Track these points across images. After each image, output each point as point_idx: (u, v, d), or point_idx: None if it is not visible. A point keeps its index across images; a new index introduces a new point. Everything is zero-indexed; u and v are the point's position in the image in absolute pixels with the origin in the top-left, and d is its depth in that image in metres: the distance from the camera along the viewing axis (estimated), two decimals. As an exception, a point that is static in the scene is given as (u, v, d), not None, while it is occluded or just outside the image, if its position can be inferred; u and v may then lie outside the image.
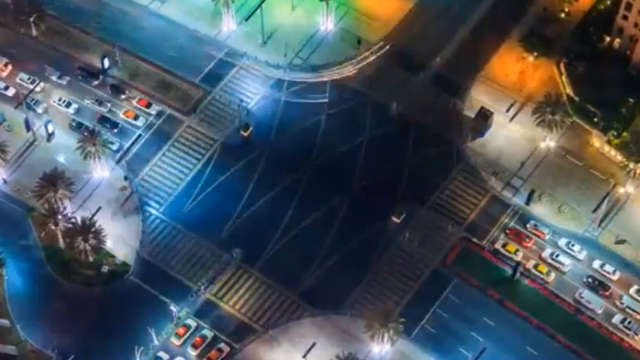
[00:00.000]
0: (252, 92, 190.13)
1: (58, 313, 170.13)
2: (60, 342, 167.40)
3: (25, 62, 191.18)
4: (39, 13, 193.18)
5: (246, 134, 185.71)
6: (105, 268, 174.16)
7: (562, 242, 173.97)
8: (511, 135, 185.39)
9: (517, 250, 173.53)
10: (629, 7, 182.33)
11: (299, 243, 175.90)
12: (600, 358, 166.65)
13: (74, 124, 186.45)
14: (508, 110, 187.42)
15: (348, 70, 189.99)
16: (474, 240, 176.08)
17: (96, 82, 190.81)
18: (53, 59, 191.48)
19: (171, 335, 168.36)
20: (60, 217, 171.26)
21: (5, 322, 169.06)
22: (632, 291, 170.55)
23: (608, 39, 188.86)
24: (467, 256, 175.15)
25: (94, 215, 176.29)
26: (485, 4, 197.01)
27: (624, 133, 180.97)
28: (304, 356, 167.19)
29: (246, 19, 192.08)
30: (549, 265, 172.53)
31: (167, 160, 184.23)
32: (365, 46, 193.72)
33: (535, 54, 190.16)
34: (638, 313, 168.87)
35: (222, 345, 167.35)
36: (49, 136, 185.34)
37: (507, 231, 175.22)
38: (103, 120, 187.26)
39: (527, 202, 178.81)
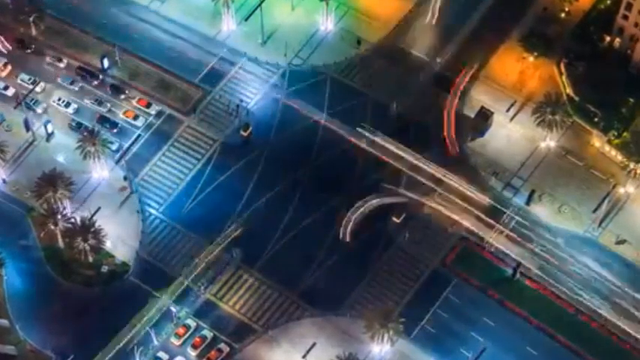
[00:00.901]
0: (252, 92, 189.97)
1: (57, 313, 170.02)
2: (59, 342, 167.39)
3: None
4: (38, 12, 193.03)
5: (246, 134, 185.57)
6: (104, 268, 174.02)
7: None
8: (511, 135, 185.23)
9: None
10: (629, 6, 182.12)
11: (299, 243, 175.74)
12: (600, 358, 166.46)
13: (74, 124, 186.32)
14: (508, 110, 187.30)
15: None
16: (474, 240, 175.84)
17: (95, 82, 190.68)
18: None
19: (171, 335, 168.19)
20: (59, 217, 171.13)
21: (4, 322, 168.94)
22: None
23: (608, 39, 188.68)
24: (467, 256, 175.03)
25: (93, 215, 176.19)
26: (485, 4, 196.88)
27: (624, 133, 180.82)
28: (304, 356, 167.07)
29: (246, 19, 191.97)
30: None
31: (167, 160, 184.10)
32: (365, 45, 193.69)
33: (535, 54, 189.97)
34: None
35: (222, 345, 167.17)
36: (49, 136, 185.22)
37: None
38: (103, 120, 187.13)
39: (528, 203, 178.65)
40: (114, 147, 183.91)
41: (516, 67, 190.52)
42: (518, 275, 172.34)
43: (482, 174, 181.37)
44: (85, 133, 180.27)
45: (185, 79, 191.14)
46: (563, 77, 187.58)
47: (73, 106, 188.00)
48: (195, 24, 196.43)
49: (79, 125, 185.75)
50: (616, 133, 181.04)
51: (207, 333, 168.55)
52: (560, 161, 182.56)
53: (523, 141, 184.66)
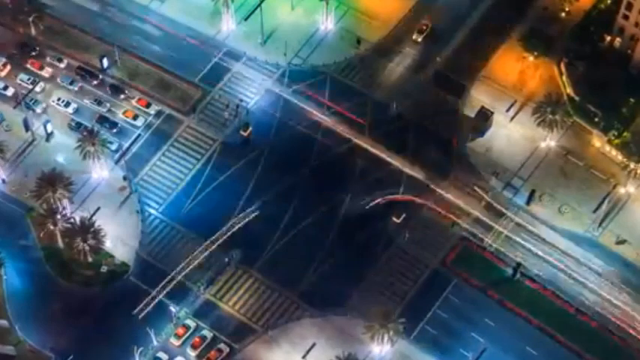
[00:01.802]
0: (252, 92, 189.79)
1: (57, 313, 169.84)
2: (59, 342, 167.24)
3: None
4: (38, 12, 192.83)
5: (245, 134, 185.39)
6: (104, 269, 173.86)
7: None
8: (511, 135, 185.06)
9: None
10: (629, 6, 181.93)
11: (299, 243, 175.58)
12: (600, 358, 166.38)
13: (73, 123, 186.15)
14: (508, 110, 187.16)
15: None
16: (474, 240, 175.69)
17: (95, 82, 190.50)
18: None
19: (171, 336, 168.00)
20: (59, 217, 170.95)
21: (4, 322, 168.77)
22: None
23: (608, 38, 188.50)
24: (467, 256, 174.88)
25: (93, 215, 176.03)
26: (485, 4, 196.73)
27: (625, 133, 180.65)
28: (304, 357, 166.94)
29: (246, 19, 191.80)
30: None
31: (166, 160, 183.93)
32: (365, 45, 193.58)
33: (535, 53, 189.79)
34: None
35: (221, 345, 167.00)
36: (48, 136, 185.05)
37: None
38: (102, 120, 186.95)
39: (528, 203, 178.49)
40: (113, 147, 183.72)
41: (516, 66, 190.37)
42: (518, 275, 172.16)
43: (482, 174, 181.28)
44: (85, 133, 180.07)
45: (185, 79, 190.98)
46: (564, 77, 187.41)
47: (73, 105, 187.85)
48: (195, 23, 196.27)
49: (79, 125, 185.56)
50: (616, 133, 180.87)
51: (207, 333, 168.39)
52: (560, 161, 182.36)
53: (523, 141, 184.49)
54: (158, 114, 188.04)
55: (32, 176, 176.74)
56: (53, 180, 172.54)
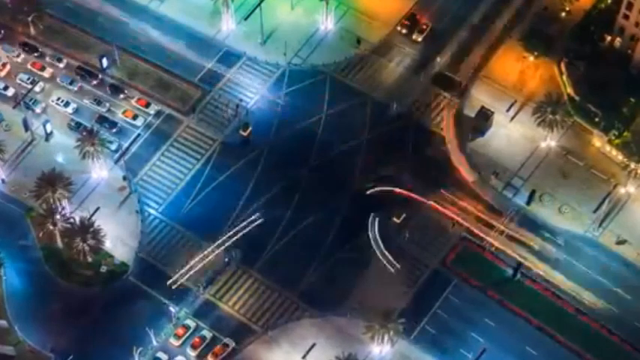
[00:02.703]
0: (252, 92, 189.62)
1: (56, 313, 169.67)
2: (58, 342, 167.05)
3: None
4: (37, 12, 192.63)
5: (245, 134, 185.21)
6: (104, 269, 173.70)
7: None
8: (511, 135, 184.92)
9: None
10: (630, 6, 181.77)
11: (298, 243, 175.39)
12: (600, 358, 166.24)
13: (73, 123, 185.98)
14: (508, 110, 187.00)
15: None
16: (475, 240, 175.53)
17: (95, 82, 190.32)
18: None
19: (170, 336, 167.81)
20: (58, 217, 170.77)
21: (3, 322, 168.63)
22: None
23: (609, 38, 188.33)
24: (467, 256, 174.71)
25: (92, 215, 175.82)
26: (485, 4, 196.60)
27: (625, 133, 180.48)
28: (304, 357, 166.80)
29: (246, 19, 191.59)
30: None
31: (166, 160, 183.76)
32: (365, 45, 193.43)
33: (535, 53, 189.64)
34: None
35: (227, 339, 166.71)
36: (48, 136, 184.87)
37: None
38: (102, 120, 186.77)
39: (528, 203, 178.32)
40: (113, 147, 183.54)
41: (517, 66, 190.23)
42: (518, 275, 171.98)
43: (482, 174, 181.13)
44: (84, 133, 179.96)
45: (184, 79, 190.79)
46: (564, 77, 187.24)
47: (72, 105, 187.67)
48: (195, 23, 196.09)
49: (78, 125, 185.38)
50: (617, 133, 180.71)
51: (207, 333, 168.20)
52: (560, 161, 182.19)
53: (523, 141, 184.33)
54: (158, 114, 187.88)
55: (32, 176, 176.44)
56: (53, 180, 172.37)
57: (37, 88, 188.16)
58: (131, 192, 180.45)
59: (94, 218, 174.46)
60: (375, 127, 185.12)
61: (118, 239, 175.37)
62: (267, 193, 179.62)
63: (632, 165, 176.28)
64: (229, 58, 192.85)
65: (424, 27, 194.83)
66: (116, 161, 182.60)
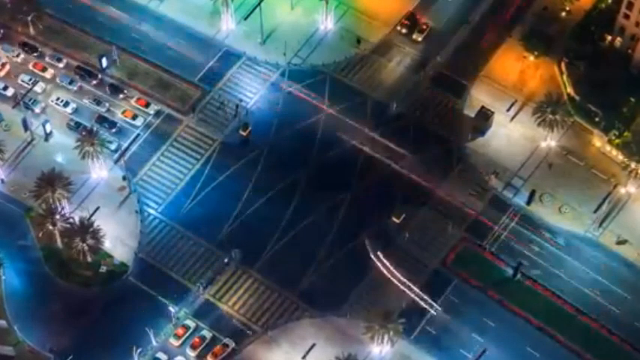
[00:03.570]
0: (252, 91, 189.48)
1: (56, 313, 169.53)
2: (58, 343, 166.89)
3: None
4: (37, 12, 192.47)
5: (245, 134, 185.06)
6: (103, 269, 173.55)
7: None
8: (512, 135, 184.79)
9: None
10: (630, 5, 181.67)
11: (298, 243, 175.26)
12: (600, 358, 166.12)
13: (72, 123, 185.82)
14: (509, 110, 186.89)
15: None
16: (475, 240, 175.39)
17: (94, 82, 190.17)
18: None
19: (170, 336, 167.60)
20: (58, 217, 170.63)
21: (3, 322, 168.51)
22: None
23: (609, 38, 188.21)
24: (467, 256, 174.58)
25: (92, 215, 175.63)
26: (485, 3, 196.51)
27: (625, 133, 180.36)
28: (304, 357, 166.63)
29: (245, 18, 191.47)
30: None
31: (166, 160, 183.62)
32: (365, 45, 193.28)
33: (536, 53, 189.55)
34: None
35: (227, 340, 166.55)
36: (47, 136, 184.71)
37: None
38: (102, 119, 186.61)
39: (528, 202, 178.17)
40: (113, 147, 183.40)
41: (517, 66, 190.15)
42: (518, 275, 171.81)
43: (482, 174, 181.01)
44: (84, 133, 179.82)
45: (184, 79, 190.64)
46: (564, 77, 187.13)
47: (72, 105, 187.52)
48: (195, 23, 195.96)
49: (78, 125, 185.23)
50: (617, 133, 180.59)
51: (207, 333, 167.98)
52: (560, 161, 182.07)
53: (523, 141, 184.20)
54: (157, 114, 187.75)
55: (31, 176, 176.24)
56: (52, 180, 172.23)
57: (37, 89, 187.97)
58: (131, 192, 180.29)
59: (93, 218, 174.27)
60: (375, 127, 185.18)
61: (118, 239, 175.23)
62: (266, 192, 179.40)
63: (633, 165, 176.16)
64: (229, 57, 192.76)
65: (424, 27, 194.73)
66: (116, 161, 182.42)
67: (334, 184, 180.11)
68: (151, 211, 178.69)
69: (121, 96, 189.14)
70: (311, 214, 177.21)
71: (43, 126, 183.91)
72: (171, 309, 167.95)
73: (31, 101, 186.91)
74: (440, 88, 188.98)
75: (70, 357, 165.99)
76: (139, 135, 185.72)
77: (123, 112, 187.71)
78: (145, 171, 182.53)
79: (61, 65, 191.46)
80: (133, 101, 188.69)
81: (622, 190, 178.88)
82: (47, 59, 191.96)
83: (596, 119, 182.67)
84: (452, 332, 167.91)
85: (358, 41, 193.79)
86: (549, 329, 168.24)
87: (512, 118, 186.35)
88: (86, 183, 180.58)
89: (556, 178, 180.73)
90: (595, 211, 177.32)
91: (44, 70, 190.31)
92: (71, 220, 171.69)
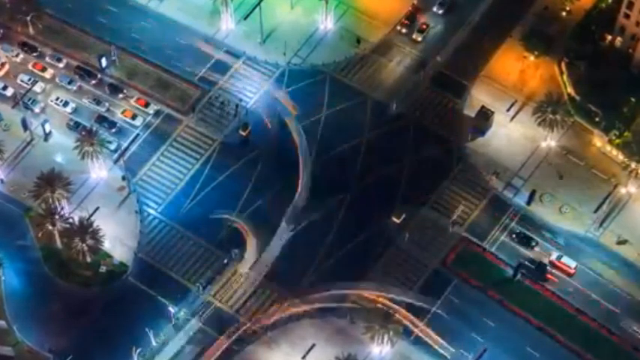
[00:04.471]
0: (251, 91, 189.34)
1: (55, 313, 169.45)
2: (57, 343, 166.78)
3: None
4: (36, 11, 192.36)
5: (245, 134, 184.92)
6: (103, 269, 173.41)
7: None
8: (512, 134, 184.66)
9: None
10: (630, 5, 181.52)
11: (299, 243, 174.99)
12: (600, 358, 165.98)
13: (72, 123, 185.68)
14: (509, 110, 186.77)
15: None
16: (475, 240, 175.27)
17: (94, 82, 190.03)
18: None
19: (170, 336, 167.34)
20: (57, 217, 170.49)
21: (2, 322, 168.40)
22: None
23: (609, 38, 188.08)
24: (467, 256, 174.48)
25: (91, 215, 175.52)
26: (485, 3, 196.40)
27: (626, 133, 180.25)
28: (304, 357, 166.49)
29: (245, 18, 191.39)
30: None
31: (165, 160, 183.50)
32: (365, 45, 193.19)
33: (536, 53, 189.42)
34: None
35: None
36: (47, 136, 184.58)
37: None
38: (101, 119, 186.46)
39: (529, 203, 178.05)
40: (112, 147, 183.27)
41: (517, 66, 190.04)
42: (518, 275, 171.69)
43: (482, 174, 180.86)
44: (83, 133, 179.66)
45: (184, 79, 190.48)
46: (564, 77, 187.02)
47: (71, 105, 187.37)
48: (194, 23, 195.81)
49: (77, 125, 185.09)
50: (617, 133, 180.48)
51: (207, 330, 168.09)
52: (561, 161, 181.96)
53: (524, 140, 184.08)
54: (157, 113, 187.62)
55: (30, 176, 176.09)
56: (52, 180, 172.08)
57: (36, 88, 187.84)
58: (130, 192, 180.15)
59: (93, 218, 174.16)
60: (375, 127, 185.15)
61: (117, 239, 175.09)
62: (266, 192, 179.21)
63: (633, 165, 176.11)
64: (229, 57, 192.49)
65: (424, 27, 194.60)
66: (115, 161, 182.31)
67: (334, 184, 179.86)
68: (151, 211, 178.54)
69: (121, 96, 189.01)
70: (311, 213, 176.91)
71: (43, 126, 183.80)
72: (171, 309, 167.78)
73: (31, 101, 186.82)
74: (440, 88, 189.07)
75: (70, 357, 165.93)
76: (138, 135, 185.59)
77: (122, 112, 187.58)
78: (145, 171, 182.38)
79: (60, 65, 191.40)
80: (132, 101, 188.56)
81: (622, 190, 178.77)
82: (47, 59, 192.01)
83: (597, 119, 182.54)
84: (452, 332, 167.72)
85: (358, 41, 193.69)
86: (549, 329, 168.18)
87: (513, 118, 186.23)
88: (86, 183, 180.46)
89: (556, 178, 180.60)
90: (595, 211, 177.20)
91: (44, 69, 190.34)
92: (71, 220, 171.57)
